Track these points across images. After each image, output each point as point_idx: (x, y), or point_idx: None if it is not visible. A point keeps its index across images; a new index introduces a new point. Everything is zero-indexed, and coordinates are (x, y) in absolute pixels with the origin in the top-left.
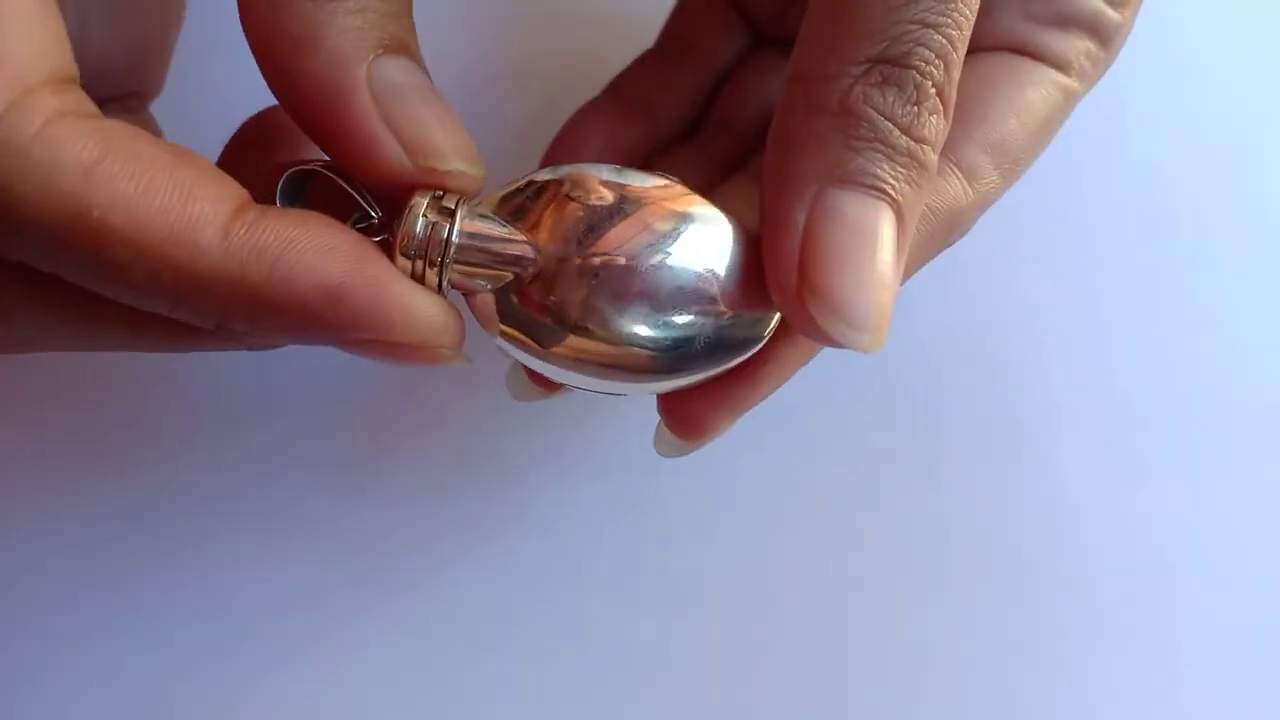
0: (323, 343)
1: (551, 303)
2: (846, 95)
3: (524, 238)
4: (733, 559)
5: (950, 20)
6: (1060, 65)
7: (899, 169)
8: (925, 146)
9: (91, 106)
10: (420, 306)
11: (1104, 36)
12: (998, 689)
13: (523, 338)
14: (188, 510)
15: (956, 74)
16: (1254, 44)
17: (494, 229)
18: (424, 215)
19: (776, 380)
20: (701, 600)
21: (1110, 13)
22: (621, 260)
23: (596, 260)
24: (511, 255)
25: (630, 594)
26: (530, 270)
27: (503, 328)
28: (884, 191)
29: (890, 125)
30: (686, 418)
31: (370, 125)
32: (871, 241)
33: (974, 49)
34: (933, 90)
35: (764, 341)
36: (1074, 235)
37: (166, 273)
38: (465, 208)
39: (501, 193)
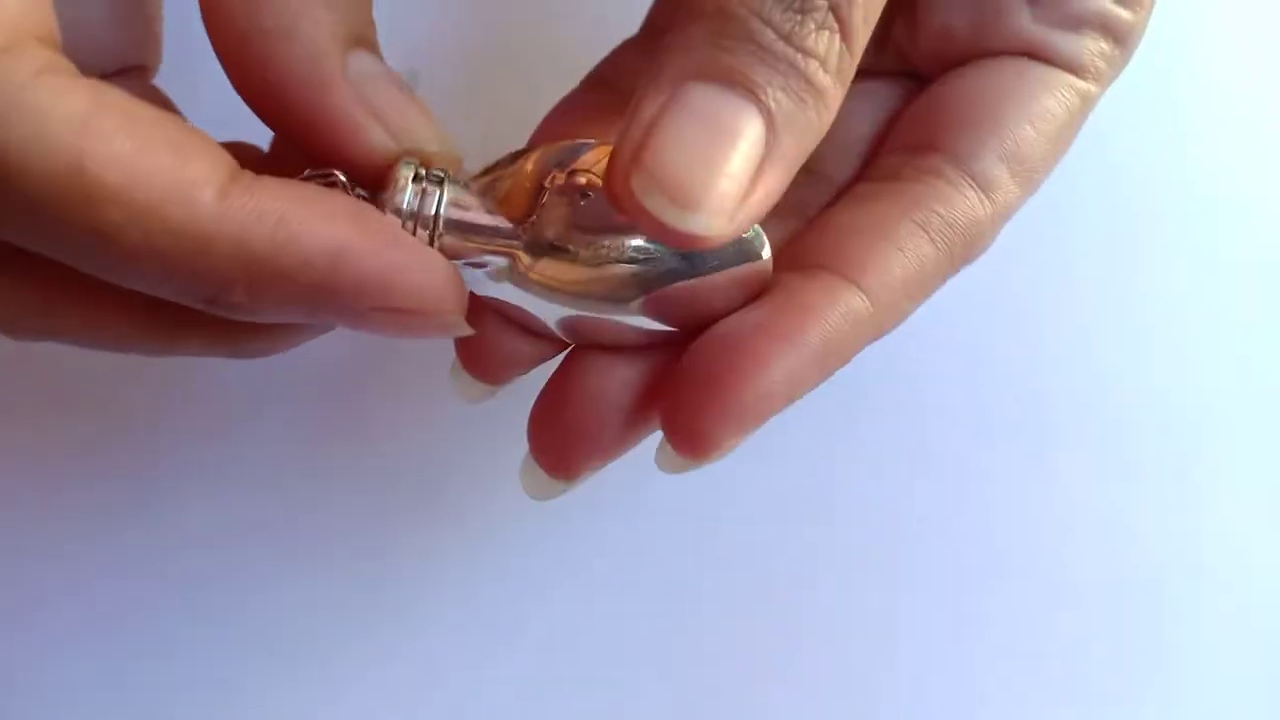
0: (325, 317)
1: (531, 224)
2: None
3: (506, 221)
4: (729, 560)
5: None
6: (1074, 68)
7: (774, 75)
8: (811, 60)
9: (75, 69)
10: (423, 266)
11: (1116, 35)
12: (992, 689)
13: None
14: (192, 516)
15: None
16: (1253, 43)
17: (479, 206)
18: (411, 184)
19: (781, 387)
20: (700, 600)
21: (1120, 12)
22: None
23: (580, 179)
24: (496, 229)
25: (630, 595)
26: (516, 246)
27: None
28: (750, 91)
29: (765, 28)
30: (690, 432)
31: (354, 111)
32: (723, 135)
33: (984, 54)
34: (824, 4)
35: (762, 260)
36: (1069, 236)
37: (162, 235)
38: (450, 180)
39: (484, 167)
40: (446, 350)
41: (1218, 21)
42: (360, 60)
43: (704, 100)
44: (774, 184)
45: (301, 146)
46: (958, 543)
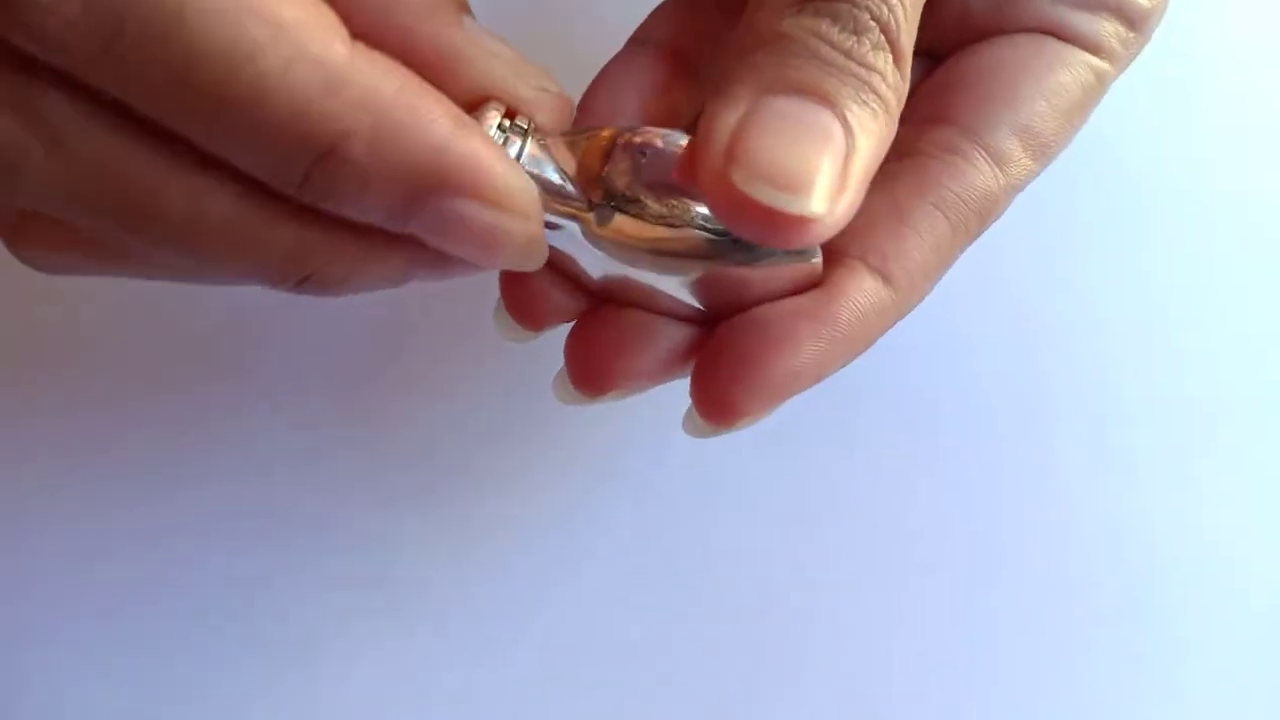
0: (418, 206)
1: (602, 177)
2: (779, 24)
3: (575, 185)
4: (730, 557)
5: None
6: (1091, 47)
7: (844, 86)
8: (874, 74)
9: None
10: (515, 167)
11: (1132, 19)
12: (993, 686)
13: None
14: (195, 512)
15: (905, 18)
16: (1256, 36)
17: (553, 164)
18: (496, 126)
19: (810, 366)
20: (702, 599)
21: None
22: (659, 143)
23: (639, 139)
24: (564, 190)
25: (634, 592)
26: (582, 209)
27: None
28: (827, 100)
29: (828, 47)
30: (721, 401)
31: (476, 48)
32: (814, 133)
33: (1002, 32)
34: (873, 23)
35: (813, 263)
36: (1069, 230)
37: (301, 64)
38: (532, 133)
39: (567, 131)
40: (459, 342)
41: (1222, 13)
42: (470, 21)
43: (788, 106)
44: (860, 184)
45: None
46: (962, 541)
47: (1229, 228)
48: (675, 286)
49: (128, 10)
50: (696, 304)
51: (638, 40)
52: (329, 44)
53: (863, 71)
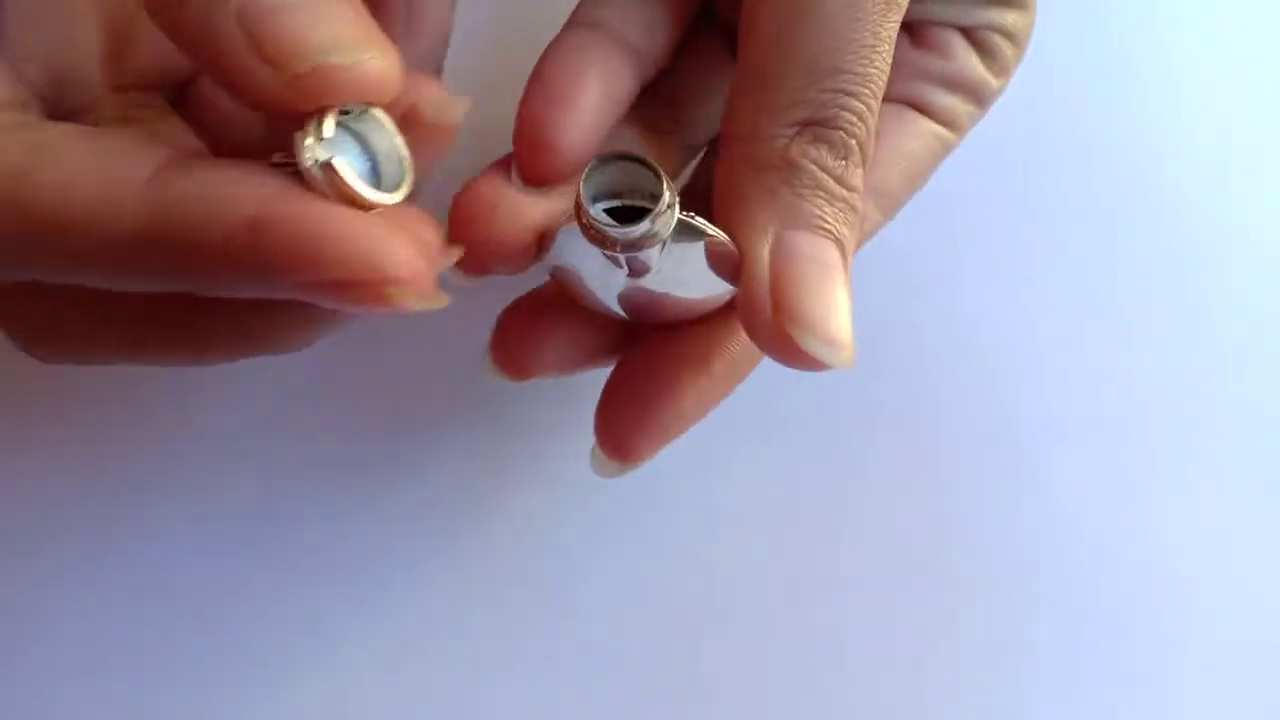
0: (270, 290)
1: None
2: (786, 151)
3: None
4: (728, 570)
5: (868, 90)
6: (944, 121)
7: (839, 213)
8: (854, 194)
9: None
10: (349, 227)
11: (981, 99)
12: (996, 699)
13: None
14: (183, 531)
15: (873, 130)
16: (1242, 38)
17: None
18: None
19: (694, 413)
20: (699, 612)
21: (992, 82)
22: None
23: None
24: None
25: (628, 608)
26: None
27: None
28: (830, 232)
29: (827, 176)
30: (622, 444)
31: (260, 25)
32: (831, 272)
33: None
34: (856, 146)
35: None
36: (1073, 241)
37: (92, 239)
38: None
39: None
40: (454, 368)
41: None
42: None
43: (807, 247)
44: (850, 292)
45: (212, 68)
46: (961, 553)
47: (1237, 232)
48: (608, 290)
49: None
50: (622, 312)
51: (583, 23)
52: (116, 209)
53: (847, 194)
